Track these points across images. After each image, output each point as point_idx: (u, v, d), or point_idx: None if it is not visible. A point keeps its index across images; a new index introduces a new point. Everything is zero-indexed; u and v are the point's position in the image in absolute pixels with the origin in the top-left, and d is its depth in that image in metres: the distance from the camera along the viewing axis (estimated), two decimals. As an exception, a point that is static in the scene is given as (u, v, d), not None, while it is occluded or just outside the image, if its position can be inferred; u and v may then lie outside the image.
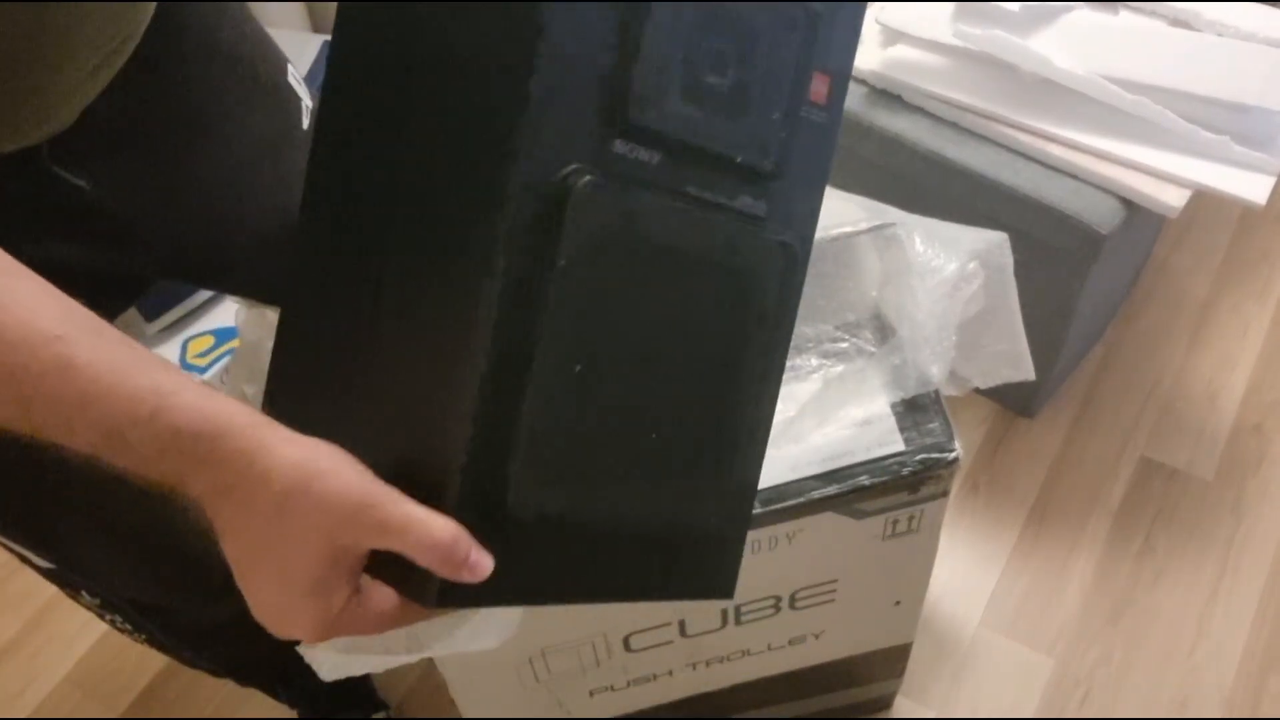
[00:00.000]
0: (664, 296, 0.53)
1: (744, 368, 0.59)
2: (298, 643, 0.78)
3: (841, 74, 0.58)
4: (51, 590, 0.96)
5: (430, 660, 0.89)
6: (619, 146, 0.50)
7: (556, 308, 0.48)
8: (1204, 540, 1.44)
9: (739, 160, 0.54)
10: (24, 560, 0.88)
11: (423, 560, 0.47)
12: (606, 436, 0.53)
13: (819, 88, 0.57)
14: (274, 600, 0.50)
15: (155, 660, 1.40)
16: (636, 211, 0.51)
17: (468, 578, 0.48)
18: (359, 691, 1.32)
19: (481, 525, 0.48)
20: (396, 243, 0.52)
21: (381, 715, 1.32)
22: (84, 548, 0.88)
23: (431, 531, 0.47)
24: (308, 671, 0.80)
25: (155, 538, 0.91)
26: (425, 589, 0.49)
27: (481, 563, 0.48)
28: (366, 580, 0.51)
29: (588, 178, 0.48)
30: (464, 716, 1.02)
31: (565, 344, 0.49)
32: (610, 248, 0.50)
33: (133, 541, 0.90)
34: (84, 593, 0.94)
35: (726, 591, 0.63)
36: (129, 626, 1.00)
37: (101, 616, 0.99)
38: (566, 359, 0.50)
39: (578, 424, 0.51)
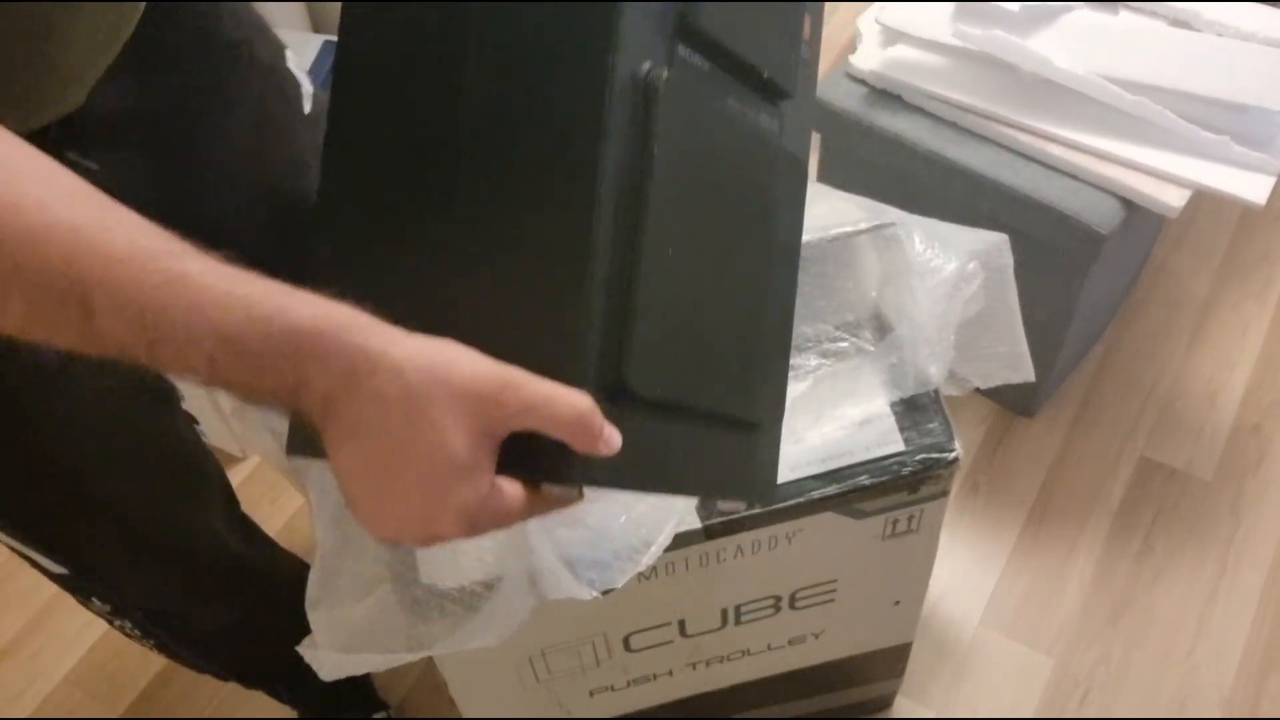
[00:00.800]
0: (717, 192, 0.57)
1: (771, 272, 0.63)
2: (298, 640, 0.79)
3: (817, 16, 0.64)
4: (53, 589, 0.97)
5: (430, 660, 0.89)
6: (683, 51, 0.54)
7: (653, 191, 0.51)
8: (1203, 540, 1.44)
9: (767, 75, 0.59)
10: (35, 565, 0.87)
11: (563, 433, 0.49)
12: (691, 322, 0.56)
13: (805, 25, 0.63)
14: (415, 498, 0.49)
15: (156, 660, 1.40)
16: (704, 107, 0.55)
17: (603, 450, 0.50)
18: (359, 691, 1.33)
19: (603, 402, 0.51)
20: (470, 150, 0.53)
21: (381, 715, 1.32)
22: (98, 554, 0.88)
23: (572, 403, 0.49)
24: (308, 672, 0.80)
25: (169, 542, 0.91)
26: (560, 466, 0.51)
27: (613, 436, 0.50)
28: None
29: (669, 70, 0.52)
30: (464, 716, 1.02)
31: (662, 227, 0.52)
32: (686, 138, 0.54)
33: (147, 548, 0.90)
34: (95, 599, 0.94)
35: (768, 497, 0.67)
36: (138, 632, 1.00)
37: (111, 622, 0.99)
38: (664, 241, 0.53)
39: (672, 307, 0.54)
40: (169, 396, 0.87)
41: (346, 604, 0.80)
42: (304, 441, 0.54)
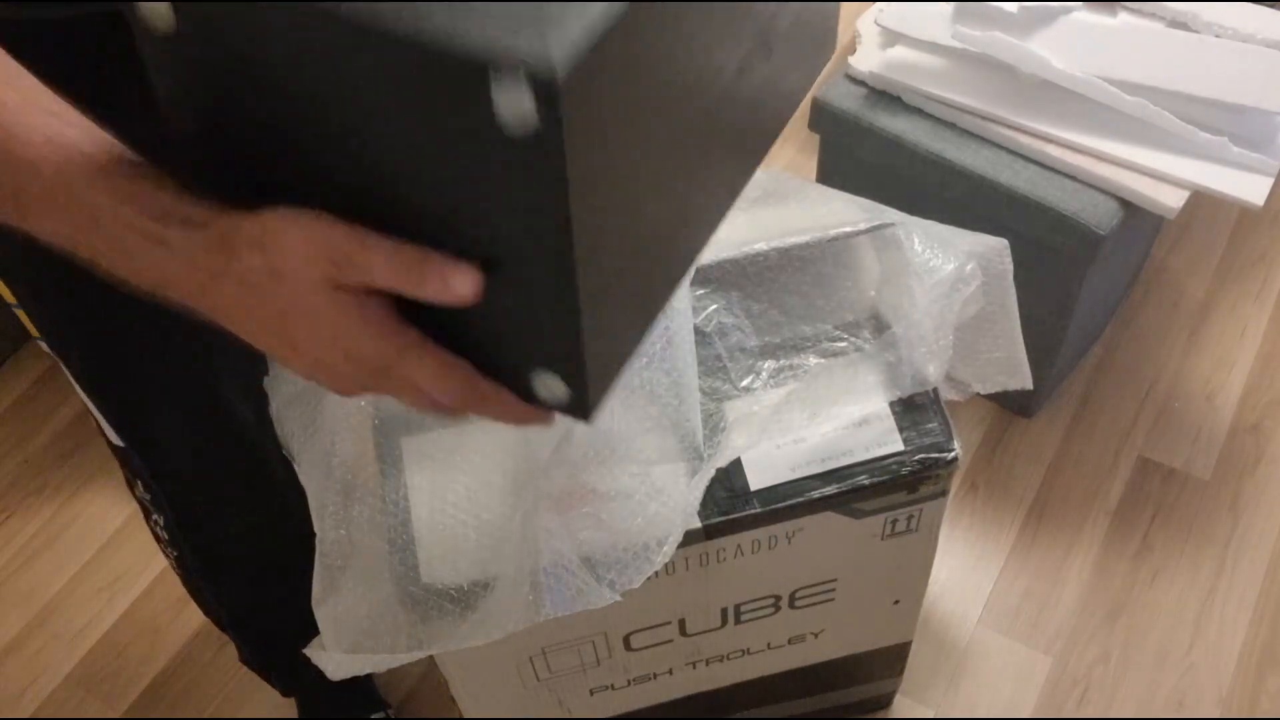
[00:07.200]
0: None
1: None
2: (298, 605, 0.79)
3: None
4: (55, 588, 0.97)
5: (431, 660, 0.89)
6: None
7: None
8: (1201, 540, 1.44)
9: None
10: (100, 432, 0.92)
11: (410, 276, 0.47)
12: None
13: None
14: (303, 352, 0.50)
15: (157, 659, 1.41)
16: None
17: (457, 290, 0.47)
18: (360, 691, 1.33)
19: None
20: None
21: (381, 715, 1.33)
22: (154, 423, 0.91)
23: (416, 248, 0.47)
24: (309, 668, 0.80)
25: (210, 414, 0.94)
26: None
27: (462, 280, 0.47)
28: None
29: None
30: (464, 716, 1.02)
31: None
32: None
33: (192, 418, 0.93)
34: (140, 484, 0.98)
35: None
36: (166, 536, 1.04)
37: (148, 517, 1.04)
38: None
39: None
40: None
41: (350, 603, 0.80)
42: None
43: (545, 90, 0.38)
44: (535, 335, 0.49)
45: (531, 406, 0.52)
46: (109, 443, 0.94)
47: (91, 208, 0.47)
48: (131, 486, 1.02)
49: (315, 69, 0.43)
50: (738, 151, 0.60)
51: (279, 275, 0.46)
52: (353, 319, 0.47)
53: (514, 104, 0.39)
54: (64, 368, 0.88)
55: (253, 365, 0.91)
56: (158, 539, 1.07)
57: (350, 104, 0.43)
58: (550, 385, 0.51)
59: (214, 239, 0.47)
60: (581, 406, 0.51)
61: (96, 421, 0.92)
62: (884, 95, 1.34)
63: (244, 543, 1.07)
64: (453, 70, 0.39)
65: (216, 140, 0.48)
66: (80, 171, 0.47)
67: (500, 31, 0.39)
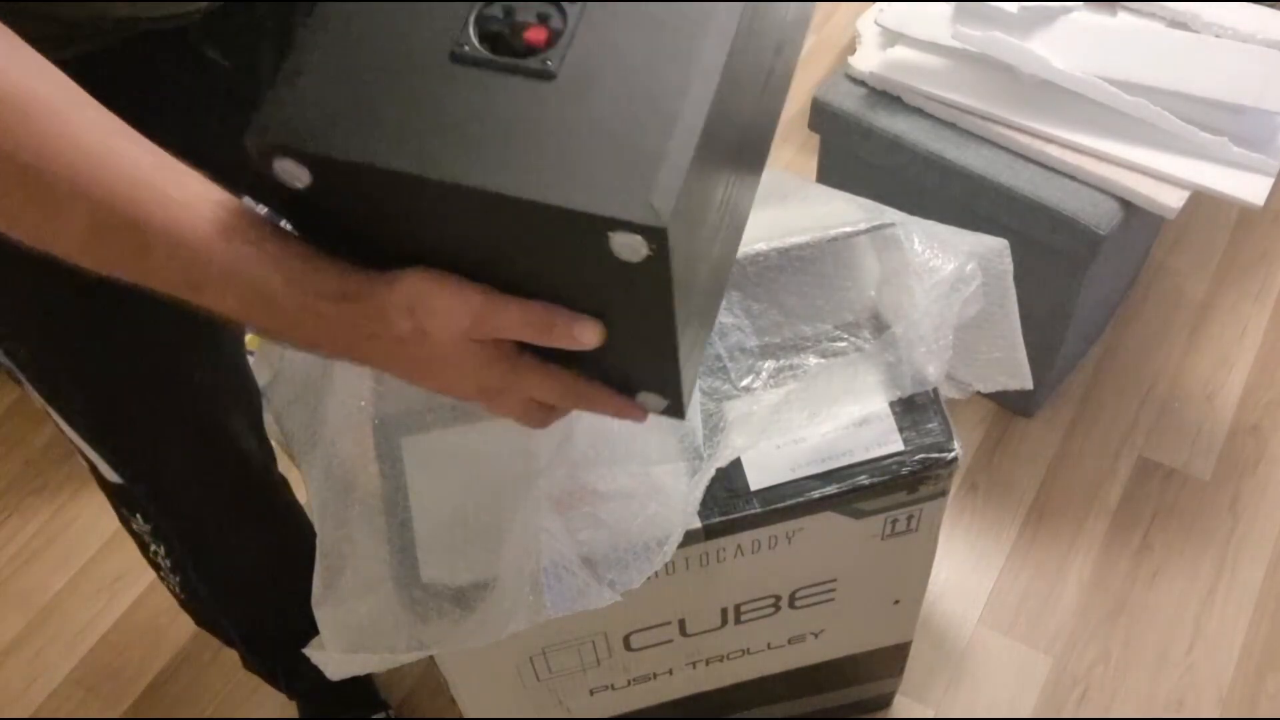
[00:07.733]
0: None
1: None
2: (303, 611, 0.80)
3: None
4: (55, 588, 0.96)
5: (431, 660, 0.89)
6: None
7: None
8: (1201, 540, 1.44)
9: None
10: (94, 471, 0.92)
11: (542, 326, 0.55)
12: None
13: None
14: (439, 381, 0.58)
15: (158, 659, 1.41)
16: None
17: (580, 338, 0.55)
18: (360, 691, 1.33)
19: None
20: None
21: (381, 715, 1.33)
22: (160, 460, 0.92)
23: (541, 304, 0.55)
24: (310, 668, 0.80)
25: (217, 450, 0.94)
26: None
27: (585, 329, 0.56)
28: None
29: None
30: (464, 716, 1.02)
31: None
32: None
33: (198, 455, 0.94)
34: (139, 516, 0.99)
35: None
36: (168, 564, 1.04)
37: (145, 549, 1.03)
38: None
39: None
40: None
41: (349, 603, 0.80)
42: None
43: (654, 236, 0.47)
44: (639, 369, 0.59)
45: (629, 402, 0.62)
46: (101, 480, 0.93)
47: (264, 290, 0.53)
48: (127, 521, 1.01)
49: (445, 214, 0.51)
50: (757, 156, 0.67)
51: (425, 333, 0.54)
52: (486, 362, 0.56)
53: (628, 246, 0.48)
54: (58, 418, 0.86)
55: (251, 388, 0.92)
56: (157, 568, 1.06)
57: (477, 234, 0.51)
58: (651, 400, 0.62)
59: (369, 309, 0.53)
60: (678, 410, 0.62)
61: (89, 461, 0.91)
62: (884, 95, 1.34)
63: (252, 560, 1.06)
64: (576, 224, 0.47)
65: (352, 242, 0.55)
66: (255, 261, 0.53)
67: (609, 191, 0.47)
